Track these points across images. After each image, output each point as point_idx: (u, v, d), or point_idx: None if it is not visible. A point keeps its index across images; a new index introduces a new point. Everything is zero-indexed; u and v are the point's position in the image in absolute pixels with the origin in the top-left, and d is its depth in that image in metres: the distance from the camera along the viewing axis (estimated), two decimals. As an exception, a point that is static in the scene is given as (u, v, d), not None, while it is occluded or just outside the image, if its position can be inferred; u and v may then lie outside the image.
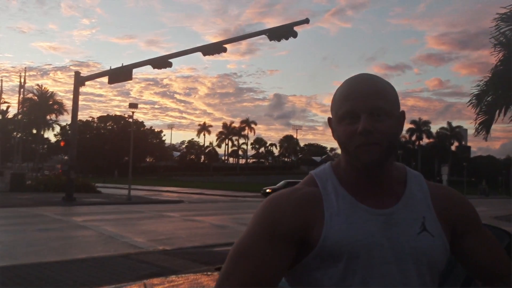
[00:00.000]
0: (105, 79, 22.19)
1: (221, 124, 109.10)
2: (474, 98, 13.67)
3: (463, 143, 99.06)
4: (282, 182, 36.65)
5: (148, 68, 20.96)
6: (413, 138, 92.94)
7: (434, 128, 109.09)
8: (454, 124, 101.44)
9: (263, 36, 16.87)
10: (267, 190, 33.96)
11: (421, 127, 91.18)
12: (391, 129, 1.12)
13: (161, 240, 11.46)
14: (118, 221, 15.48)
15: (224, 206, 24.80)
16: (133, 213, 18.53)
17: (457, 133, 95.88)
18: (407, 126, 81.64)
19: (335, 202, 1.14)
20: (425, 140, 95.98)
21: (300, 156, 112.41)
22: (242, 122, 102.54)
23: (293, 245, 1.11)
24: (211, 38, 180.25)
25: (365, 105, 1.11)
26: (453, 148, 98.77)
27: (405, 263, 1.10)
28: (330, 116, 1.21)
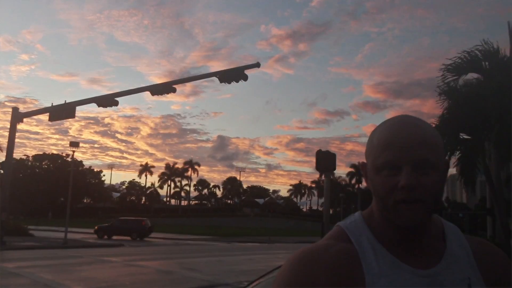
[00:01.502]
0: (42, 116, 21.30)
1: (164, 165, 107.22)
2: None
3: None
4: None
5: (89, 106, 20.31)
6: (353, 181, 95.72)
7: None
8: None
9: (208, 78, 16.99)
10: (95, 227, 34.53)
11: (360, 170, 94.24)
12: (437, 184, 0.99)
13: (102, 288, 10.77)
14: (54, 267, 14.45)
15: (168, 250, 23.93)
16: (70, 258, 17.41)
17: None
18: (347, 169, 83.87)
19: (375, 262, 1.01)
20: (363, 184, 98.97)
21: (243, 198, 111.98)
22: (185, 163, 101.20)
23: None
24: (156, 79, 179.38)
25: (409, 156, 0.98)
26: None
27: None
28: (364, 161, 1.10)
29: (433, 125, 14.85)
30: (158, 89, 17.78)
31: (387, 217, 1.02)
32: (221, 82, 16.23)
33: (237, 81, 16.21)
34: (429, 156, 0.99)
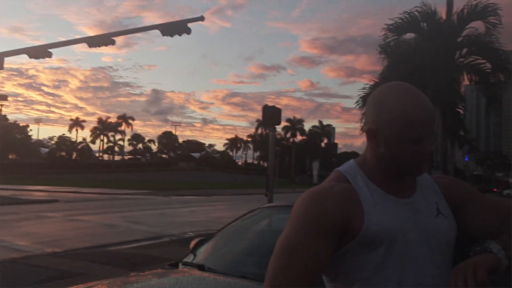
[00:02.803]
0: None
1: (96, 119, 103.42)
2: (360, 100, 15.18)
3: (332, 140, 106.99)
4: None
5: (11, 57, 18.98)
6: (288, 135, 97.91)
7: (307, 126, 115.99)
8: (324, 122, 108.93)
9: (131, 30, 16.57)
10: None
11: (295, 125, 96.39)
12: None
13: (47, 242, 10.70)
14: (-10, 224, 14.00)
15: (107, 204, 23.70)
16: (5, 214, 16.86)
17: (327, 131, 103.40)
18: (283, 124, 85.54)
19: (369, 195, 1.26)
20: (298, 137, 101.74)
21: (179, 152, 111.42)
22: (119, 117, 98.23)
23: (337, 237, 1.22)
24: (86, 30, 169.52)
25: (429, 130, 1.24)
26: (322, 145, 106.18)
27: (430, 244, 1.26)
28: (372, 126, 1.26)
29: (373, 82, 15.81)
30: (95, 41, 16.98)
31: (400, 173, 1.27)
32: (163, 35, 15.83)
33: (180, 35, 15.88)
34: (434, 127, 1.31)
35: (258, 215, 3.68)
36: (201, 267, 2.92)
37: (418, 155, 1.23)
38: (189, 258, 3.24)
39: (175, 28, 15.53)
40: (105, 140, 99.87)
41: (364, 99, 15.22)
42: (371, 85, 15.55)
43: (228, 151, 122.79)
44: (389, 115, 1.22)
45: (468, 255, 1.23)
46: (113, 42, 16.98)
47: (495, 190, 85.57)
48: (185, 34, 15.51)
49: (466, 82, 14.56)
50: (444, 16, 14.15)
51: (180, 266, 3.14)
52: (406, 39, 14.46)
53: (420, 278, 1.23)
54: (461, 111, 17.29)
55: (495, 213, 1.36)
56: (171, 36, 15.68)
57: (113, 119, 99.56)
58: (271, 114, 10.44)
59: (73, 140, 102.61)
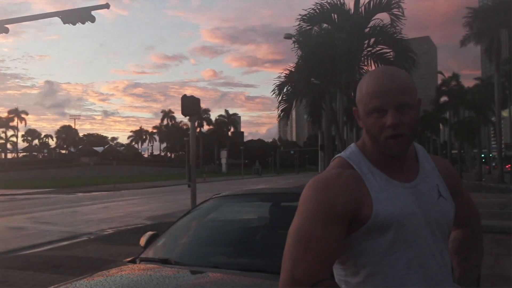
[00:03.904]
0: None
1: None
2: (276, 88, 15.51)
3: (238, 129, 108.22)
4: None
5: None
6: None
7: (213, 115, 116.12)
8: (230, 112, 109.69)
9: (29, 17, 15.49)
10: None
11: (202, 115, 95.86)
12: (413, 120, 1.28)
13: None
14: None
15: (6, 206, 21.85)
16: None
17: (233, 120, 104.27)
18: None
19: (374, 181, 1.30)
20: (205, 127, 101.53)
21: (80, 147, 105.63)
22: (9, 112, 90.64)
23: (347, 224, 1.26)
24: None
25: (392, 101, 1.25)
26: (229, 134, 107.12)
27: (432, 225, 1.32)
28: (355, 107, 1.38)
29: (288, 72, 16.30)
30: (-16, 28, 15.53)
31: (381, 150, 1.31)
32: (64, 23, 14.85)
33: (83, 23, 15.05)
34: (407, 99, 1.27)
35: (209, 206, 3.69)
36: (165, 261, 2.87)
37: (385, 127, 1.26)
38: (147, 254, 3.16)
39: (78, 16, 14.66)
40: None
41: (280, 88, 15.67)
42: (286, 74, 15.96)
43: (133, 143, 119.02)
44: (359, 92, 1.33)
45: None
46: (6, 30, 15.63)
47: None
48: (89, 22, 14.74)
49: (371, 68, 15.59)
50: (352, 8, 15.01)
51: (139, 262, 3.05)
52: (319, 31, 15.09)
53: (424, 259, 1.29)
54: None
55: (470, 208, 1.58)
56: (74, 24, 14.79)
57: (3, 114, 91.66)
58: (190, 104, 10.35)
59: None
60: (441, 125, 68.27)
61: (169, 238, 3.28)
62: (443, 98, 55.87)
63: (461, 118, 57.86)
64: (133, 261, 3.10)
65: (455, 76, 54.34)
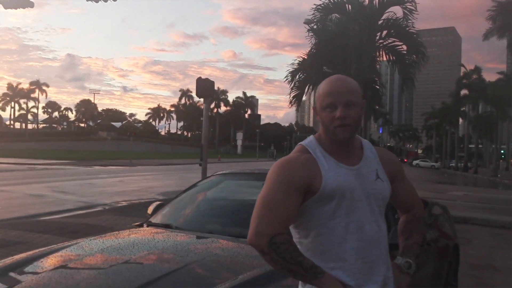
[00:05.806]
0: None
1: (5, 85, 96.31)
2: (289, 74, 15.97)
3: (255, 111, 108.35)
4: None
5: None
6: (212, 106, 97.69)
7: (231, 97, 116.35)
8: (248, 94, 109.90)
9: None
10: None
11: (219, 95, 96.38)
12: (357, 115, 1.65)
13: (-29, 213, 10.35)
14: None
15: (27, 175, 22.73)
16: None
17: (251, 102, 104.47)
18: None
19: (325, 163, 1.66)
20: (223, 108, 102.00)
21: (98, 121, 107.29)
22: (31, 83, 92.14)
23: (302, 194, 1.63)
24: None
25: (341, 99, 1.63)
26: (246, 116, 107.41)
27: (370, 200, 1.68)
28: (314, 106, 1.76)
29: (301, 58, 16.61)
30: (12, 2, 16.00)
31: (331, 137, 1.68)
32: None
33: (105, 1, 15.45)
34: (353, 99, 1.65)
35: (211, 182, 4.12)
36: (168, 226, 3.33)
37: (335, 119, 1.62)
38: (153, 220, 3.61)
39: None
40: (17, 107, 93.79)
41: (293, 74, 16.14)
42: (299, 61, 16.48)
43: (151, 120, 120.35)
44: (318, 92, 1.72)
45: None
46: (31, 5, 16.04)
47: (405, 160, 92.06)
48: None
49: (383, 59, 15.86)
50: (367, 0, 15.22)
51: (145, 226, 3.51)
52: (333, 20, 15.34)
53: (360, 224, 1.64)
54: (378, 87, 18.80)
55: (411, 195, 1.94)
56: (96, 2, 15.18)
57: (24, 85, 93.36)
58: (204, 86, 10.74)
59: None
60: (460, 118, 67.58)
61: (172, 207, 3.72)
62: (463, 91, 55.33)
63: (481, 113, 57.23)
64: (140, 225, 3.57)
65: (477, 70, 53.68)
